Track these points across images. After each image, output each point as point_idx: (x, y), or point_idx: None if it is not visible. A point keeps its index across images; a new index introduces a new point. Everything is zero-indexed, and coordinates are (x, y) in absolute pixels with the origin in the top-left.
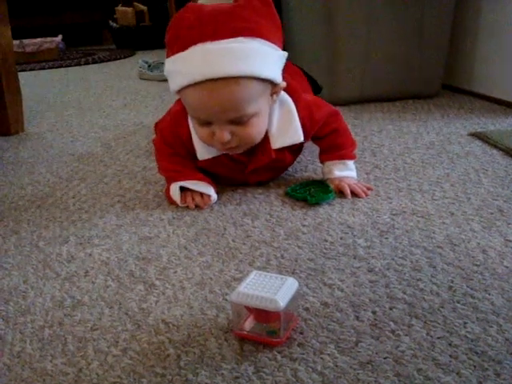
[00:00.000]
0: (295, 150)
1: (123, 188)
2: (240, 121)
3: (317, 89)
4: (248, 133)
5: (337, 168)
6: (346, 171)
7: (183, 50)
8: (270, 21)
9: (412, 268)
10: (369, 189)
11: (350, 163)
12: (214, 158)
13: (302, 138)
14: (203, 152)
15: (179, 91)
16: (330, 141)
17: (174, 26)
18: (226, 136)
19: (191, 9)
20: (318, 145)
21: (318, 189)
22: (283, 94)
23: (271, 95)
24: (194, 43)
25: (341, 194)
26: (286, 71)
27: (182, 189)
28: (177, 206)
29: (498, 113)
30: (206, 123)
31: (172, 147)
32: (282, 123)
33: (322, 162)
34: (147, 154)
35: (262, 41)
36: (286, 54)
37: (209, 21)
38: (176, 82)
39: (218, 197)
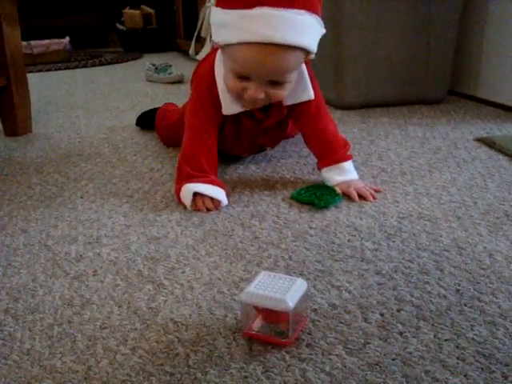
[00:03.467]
0: (296, 116)
1: (131, 189)
2: (277, 83)
3: None
4: (279, 94)
5: (335, 173)
6: (345, 174)
7: (249, 8)
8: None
9: (419, 271)
10: (377, 191)
11: (347, 164)
12: (236, 113)
13: (312, 96)
14: (228, 107)
15: (229, 45)
16: (322, 142)
17: None
18: (261, 94)
19: None
20: (311, 145)
21: (324, 192)
22: None
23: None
24: (262, 5)
25: (349, 198)
26: None
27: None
28: (185, 207)
29: (504, 118)
30: (243, 78)
31: (203, 104)
32: (294, 82)
33: (319, 169)
34: (155, 155)
35: (317, 17)
36: (324, 31)
37: None
38: (231, 35)
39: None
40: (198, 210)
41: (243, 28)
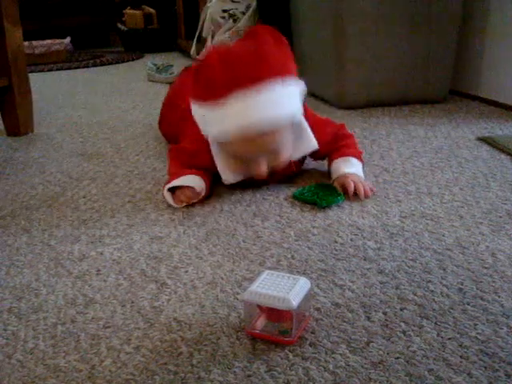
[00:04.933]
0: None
1: (133, 188)
2: (274, 152)
3: None
4: (281, 157)
5: (344, 165)
6: (352, 168)
7: (220, 99)
8: (287, 55)
9: (422, 270)
10: (371, 190)
11: (356, 161)
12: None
13: (316, 145)
14: (229, 177)
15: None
16: (339, 151)
17: (204, 76)
18: (265, 170)
19: (218, 56)
20: (330, 157)
21: (326, 192)
22: None
23: None
24: (231, 91)
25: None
26: None
27: (174, 190)
28: (183, 206)
29: (506, 118)
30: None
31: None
32: (297, 136)
33: (329, 163)
34: (157, 155)
35: (293, 79)
36: (303, 85)
37: (240, 69)
38: (215, 131)
39: (227, 197)
40: (188, 203)
41: (224, 123)
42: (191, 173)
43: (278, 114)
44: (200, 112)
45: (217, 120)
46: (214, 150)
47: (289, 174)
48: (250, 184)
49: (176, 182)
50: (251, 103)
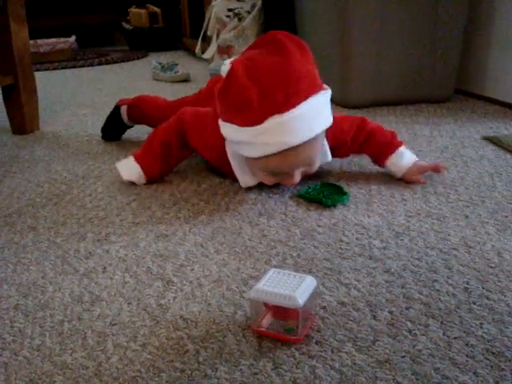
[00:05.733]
0: None
1: (139, 186)
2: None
3: None
4: (313, 168)
5: (397, 162)
6: (404, 159)
7: (258, 124)
8: (311, 63)
9: (428, 269)
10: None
11: (402, 149)
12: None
13: (330, 159)
14: (247, 181)
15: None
16: (373, 145)
17: (236, 98)
18: (298, 180)
19: (246, 75)
20: (367, 153)
21: (331, 191)
22: None
23: None
24: (268, 116)
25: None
26: None
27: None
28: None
29: (511, 117)
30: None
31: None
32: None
33: (383, 166)
34: None
35: (321, 92)
36: (330, 91)
37: (275, 91)
38: (252, 151)
39: (232, 196)
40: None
41: (262, 143)
42: (144, 164)
43: (314, 129)
44: (235, 134)
45: (254, 142)
46: (235, 161)
47: None
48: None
49: (123, 166)
50: (289, 124)
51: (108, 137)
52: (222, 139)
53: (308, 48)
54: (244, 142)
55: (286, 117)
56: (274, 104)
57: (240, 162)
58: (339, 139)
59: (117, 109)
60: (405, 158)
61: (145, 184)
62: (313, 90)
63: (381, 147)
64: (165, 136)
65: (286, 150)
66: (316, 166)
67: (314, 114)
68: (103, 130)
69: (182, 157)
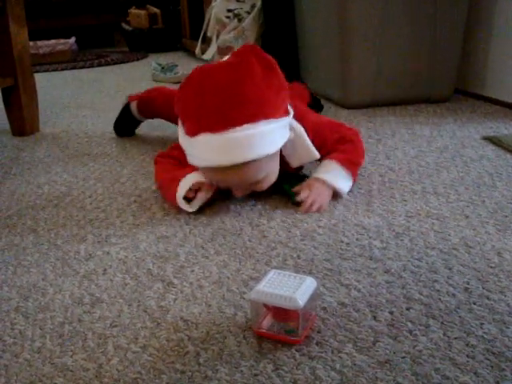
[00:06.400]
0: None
1: (139, 188)
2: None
3: (319, 107)
4: (263, 186)
5: (320, 170)
6: (319, 172)
7: (191, 136)
8: (273, 88)
9: (428, 269)
10: (320, 208)
11: (343, 173)
12: None
13: (318, 156)
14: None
15: None
16: (341, 148)
17: (181, 105)
18: (241, 195)
19: (193, 90)
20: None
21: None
22: (292, 121)
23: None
24: (202, 131)
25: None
26: (292, 91)
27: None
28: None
29: (511, 117)
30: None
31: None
32: (295, 147)
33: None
34: None
35: (268, 120)
36: (290, 116)
37: (212, 109)
38: (190, 159)
39: (232, 197)
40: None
41: (194, 154)
42: (190, 170)
43: (249, 155)
44: (180, 136)
45: (190, 151)
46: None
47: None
48: None
49: (186, 184)
50: (219, 144)
51: (121, 133)
52: None
53: (278, 71)
54: (184, 147)
55: (217, 137)
56: (209, 122)
57: None
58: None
59: (127, 105)
60: (319, 172)
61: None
62: (254, 117)
63: (339, 151)
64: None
65: (215, 169)
66: (264, 186)
67: (246, 143)
68: (115, 126)
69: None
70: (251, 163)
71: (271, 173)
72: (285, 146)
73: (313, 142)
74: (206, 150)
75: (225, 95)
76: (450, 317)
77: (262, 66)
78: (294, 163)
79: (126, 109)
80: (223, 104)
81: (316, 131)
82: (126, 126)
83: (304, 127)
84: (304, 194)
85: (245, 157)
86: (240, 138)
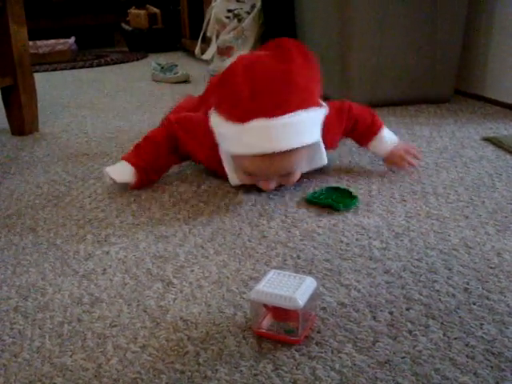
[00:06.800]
0: None
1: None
2: (287, 174)
3: None
4: (291, 180)
5: (378, 145)
6: (383, 142)
7: (243, 122)
8: (315, 80)
9: (428, 270)
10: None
11: (383, 131)
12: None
13: (325, 162)
14: (235, 181)
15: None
16: (358, 131)
17: (228, 93)
18: (272, 186)
19: (242, 75)
20: (352, 138)
21: (339, 194)
22: None
23: None
24: (256, 117)
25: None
26: None
27: None
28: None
29: (511, 118)
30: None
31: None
32: (309, 154)
33: (367, 148)
34: None
35: (313, 109)
36: (326, 108)
37: (268, 94)
38: (233, 148)
39: (232, 197)
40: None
41: (243, 142)
42: (134, 162)
43: (296, 142)
44: (221, 126)
45: (236, 138)
46: (224, 157)
47: None
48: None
49: (112, 170)
50: (271, 130)
51: None
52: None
53: (314, 60)
54: (227, 136)
55: (271, 123)
56: (263, 107)
57: (229, 158)
58: (331, 134)
59: None
60: (385, 142)
61: (138, 186)
62: (305, 104)
63: (364, 132)
64: (153, 137)
65: (262, 156)
66: (294, 179)
67: (300, 128)
68: None
69: (169, 160)
70: (297, 151)
71: (299, 171)
72: None
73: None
74: (261, 135)
75: (277, 82)
76: (449, 317)
77: (302, 57)
78: (304, 167)
79: None
80: (277, 90)
81: (327, 126)
82: None
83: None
84: (400, 161)
85: (297, 143)
86: (295, 123)
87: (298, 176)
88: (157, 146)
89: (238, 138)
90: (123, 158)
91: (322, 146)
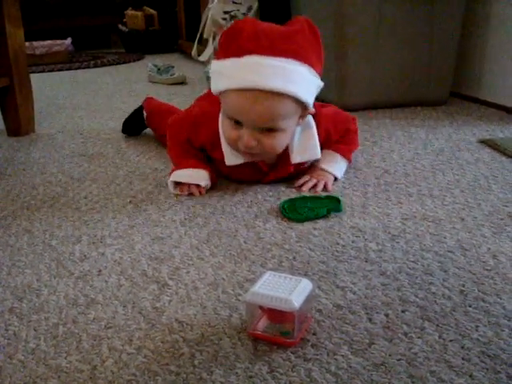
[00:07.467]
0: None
1: (135, 189)
2: (268, 131)
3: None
4: (271, 143)
5: (326, 160)
6: (331, 165)
7: (238, 57)
8: (316, 51)
9: (423, 272)
10: (325, 187)
11: (340, 159)
12: (239, 164)
13: (319, 155)
14: (230, 158)
15: (223, 92)
16: (344, 139)
17: (231, 33)
18: (252, 142)
19: (250, 22)
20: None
21: (318, 202)
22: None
23: (299, 118)
24: (250, 53)
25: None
26: None
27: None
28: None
29: (507, 120)
30: (238, 124)
31: (189, 142)
32: (302, 141)
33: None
34: (158, 155)
35: (310, 68)
36: (322, 84)
37: (266, 36)
38: (223, 83)
39: (229, 199)
40: (191, 194)
41: (232, 75)
42: (196, 165)
43: (282, 86)
44: (217, 65)
45: (229, 73)
46: (223, 137)
47: (285, 176)
48: (248, 180)
49: (182, 177)
50: (262, 68)
51: (127, 132)
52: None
53: (319, 37)
54: (221, 73)
55: (264, 61)
56: (258, 46)
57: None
58: (331, 134)
59: (140, 108)
60: (333, 161)
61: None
62: (301, 58)
63: (332, 143)
64: (177, 141)
65: (248, 92)
66: (276, 143)
67: (289, 76)
68: (124, 126)
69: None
70: (281, 99)
71: (283, 136)
72: (293, 140)
73: (325, 132)
74: (251, 70)
75: (279, 32)
76: (445, 319)
77: (311, 31)
78: (296, 158)
79: (138, 111)
80: (277, 36)
81: (332, 124)
82: (134, 127)
83: (317, 122)
84: (305, 178)
85: (283, 87)
86: (285, 69)
87: (278, 144)
88: (188, 145)
89: (229, 72)
90: (178, 168)
91: (317, 137)
